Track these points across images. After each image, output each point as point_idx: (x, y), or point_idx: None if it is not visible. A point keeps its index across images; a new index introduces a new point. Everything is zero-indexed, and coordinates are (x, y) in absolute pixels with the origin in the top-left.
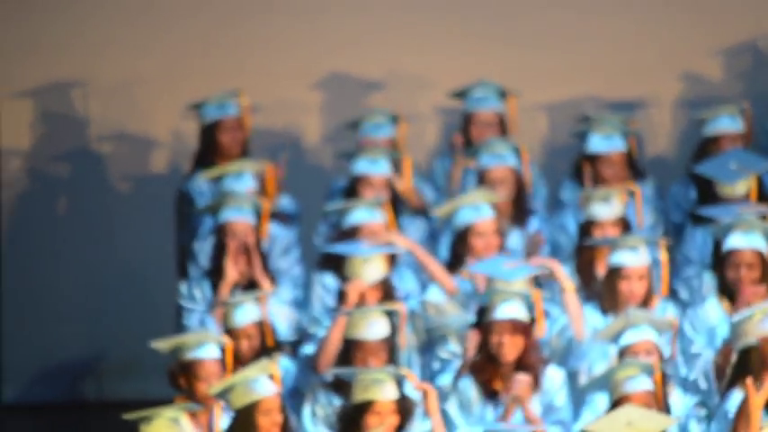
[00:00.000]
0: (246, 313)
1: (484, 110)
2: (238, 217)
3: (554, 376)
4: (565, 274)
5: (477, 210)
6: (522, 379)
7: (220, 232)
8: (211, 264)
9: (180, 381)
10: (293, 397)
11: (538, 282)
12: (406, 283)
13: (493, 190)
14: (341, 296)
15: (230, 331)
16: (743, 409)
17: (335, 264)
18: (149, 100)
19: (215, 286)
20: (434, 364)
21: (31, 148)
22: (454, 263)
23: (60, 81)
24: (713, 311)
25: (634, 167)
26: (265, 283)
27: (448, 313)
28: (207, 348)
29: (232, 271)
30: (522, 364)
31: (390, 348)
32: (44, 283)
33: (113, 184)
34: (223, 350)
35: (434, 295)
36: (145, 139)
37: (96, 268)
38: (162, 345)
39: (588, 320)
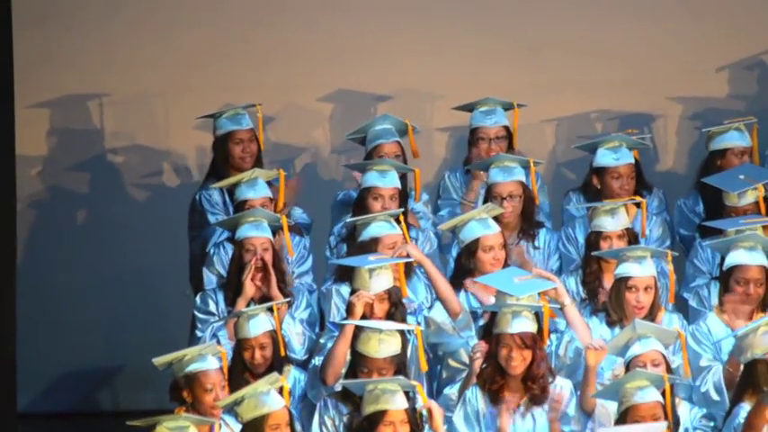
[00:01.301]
0: (260, 323)
1: (490, 125)
2: (257, 233)
3: (563, 386)
4: (563, 290)
5: (484, 224)
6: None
7: (239, 248)
8: (228, 277)
9: (183, 393)
10: (303, 405)
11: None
12: (419, 294)
13: (501, 205)
14: (348, 308)
15: (244, 341)
16: (749, 420)
17: (351, 275)
18: (163, 112)
19: (229, 298)
20: (444, 372)
21: (48, 158)
22: (460, 277)
23: (76, 93)
24: (715, 325)
25: (641, 180)
26: (280, 299)
27: (446, 334)
28: (208, 360)
29: (250, 287)
30: (529, 376)
31: (399, 365)
32: (59, 292)
33: (129, 195)
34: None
35: (437, 314)
36: (159, 151)
37: (111, 278)
38: (161, 360)
39: (595, 333)
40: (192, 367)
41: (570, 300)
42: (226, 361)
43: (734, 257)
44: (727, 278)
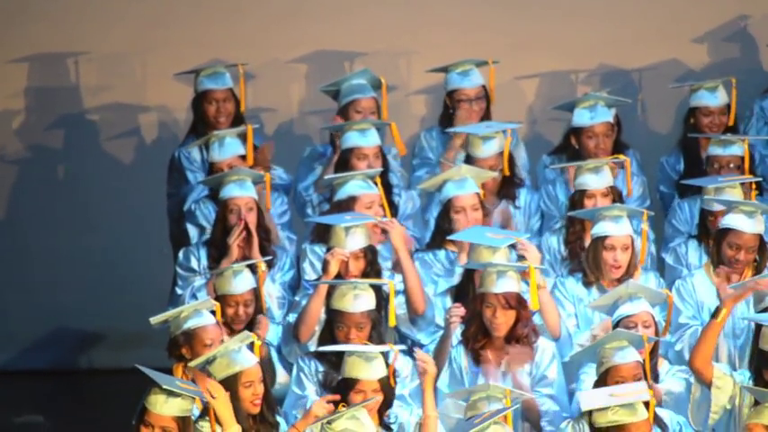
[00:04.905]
0: (246, 280)
1: (470, 87)
2: (240, 192)
3: (545, 348)
4: (536, 268)
5: (460, 184)
6: (514, 351)
7: (223, 208)
8: (212, 236)
9: (183, 350)
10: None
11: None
12: (393, 254)
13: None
14: (323, 266)
15: (228, 297)
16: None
17: (327, 234)
18: (141, 68)
19: (212, 256)
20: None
21: (24, 115)
22: (438, 236)
23: (53, 51)
24: (701, 283)
25: (617, 140)
26: (260, 261)
27: (404, 325)
28: (205, 316)
29: (235, 249)
30: (513, 336)
31: (374, 320)
32: (35, 250)
33: (106, 152)
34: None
35: (399, 307)
36: (137, 107)
37: (91, 236)
38: (158, 319)
39: (571, 292)
40: (191, 323)
41: (543, 282)
42: (219, 316)
43: (732, 220)
44: (720, 239)
